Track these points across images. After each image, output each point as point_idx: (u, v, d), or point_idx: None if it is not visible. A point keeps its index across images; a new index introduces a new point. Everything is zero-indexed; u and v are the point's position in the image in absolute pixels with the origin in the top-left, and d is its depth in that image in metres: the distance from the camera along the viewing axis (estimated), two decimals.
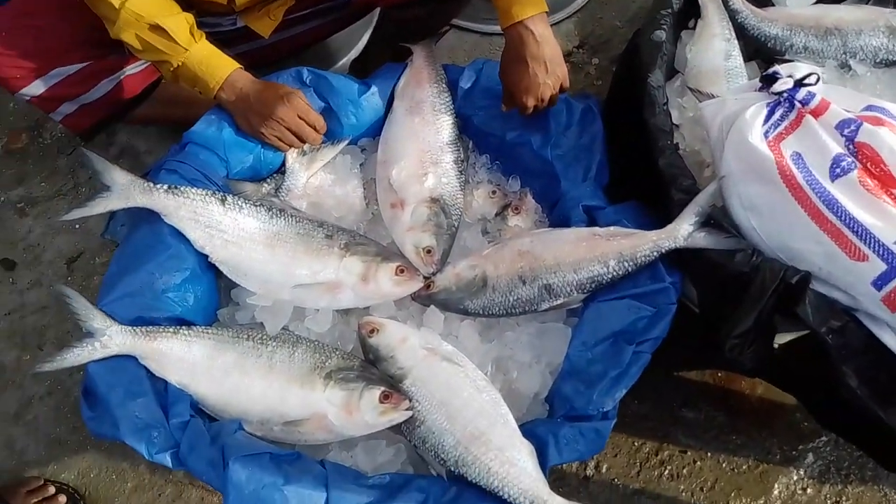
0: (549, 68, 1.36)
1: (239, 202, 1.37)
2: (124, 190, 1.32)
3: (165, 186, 1.33)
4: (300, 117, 1.43)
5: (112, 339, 1.23)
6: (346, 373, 1.24)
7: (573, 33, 2.25)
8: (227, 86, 1.39)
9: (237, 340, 1.28)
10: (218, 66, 1.38)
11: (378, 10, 1.85)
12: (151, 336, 1.25)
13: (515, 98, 1.41)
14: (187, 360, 1.25)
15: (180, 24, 1.33)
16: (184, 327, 1.29)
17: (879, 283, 1.11)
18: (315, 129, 1.47)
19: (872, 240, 1.12)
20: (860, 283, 1.14)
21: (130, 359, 1.24)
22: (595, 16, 2.29)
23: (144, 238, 1.33)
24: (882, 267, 1.11)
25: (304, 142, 1.47)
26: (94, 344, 1.22)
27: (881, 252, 1.11)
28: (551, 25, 1.42)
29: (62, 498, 1.59)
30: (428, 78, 1.54)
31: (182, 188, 1.34)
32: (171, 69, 1.37)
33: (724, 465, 1.69)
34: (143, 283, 1.29)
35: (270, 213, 1.38)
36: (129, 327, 1.25)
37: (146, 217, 1.34)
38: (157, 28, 1.30)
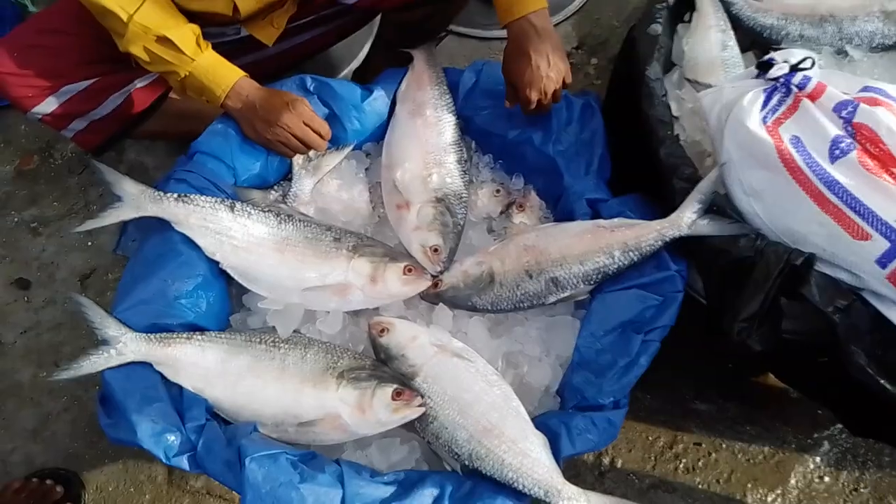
0: (552, 62, 1.37)
1: (248, 208, 1.39)
2: (135, 200, 1.35)
3: (175, 195, 1.35)
4: (305, 124, 1.45)
5: (127, 346, 1.24)
6: (358, 372, 1.25)
7: (571, 34, 2.28)
8: (234, 94, 1.41)
9: (250, 344, 1.30)
10: (224, 75, 1.41)
11: (378, 18, 1.88)
12: (165, 342, 1.26)
13: (519, 93, 1.42)
14: (201, 365, 1.27)
15: (186, 34, 1.36)
16: (197, 333, 1.30)
17: (884, 260, 1.12)
18: (320, 134, 1.48)
19: (875, 219, 1.13)
20: (864, 262, 1.14)
21: (146, 365, 1.26)
22: (592, 16, 2.31)
23: (156, 247, 1.35)
24: (885, 245, 1.12)
25: (309, 148, 1.49)
26: (110, 351, 1.24)
27: (884, 230, 1.12)
28: None
29: (49, 481, 1.62)
30: (429, 80, 1.56)
31: (191, 196, 1.36)
32: (179, 79, 1.39)
33: (739, 455, 1.69)
34: (156, 290, 1.31)
35: (279, 218, 1.40)
36: (144, 334, 1.26)
37: (157, 226, 1.37)
38: (164, 40, 1.33)
